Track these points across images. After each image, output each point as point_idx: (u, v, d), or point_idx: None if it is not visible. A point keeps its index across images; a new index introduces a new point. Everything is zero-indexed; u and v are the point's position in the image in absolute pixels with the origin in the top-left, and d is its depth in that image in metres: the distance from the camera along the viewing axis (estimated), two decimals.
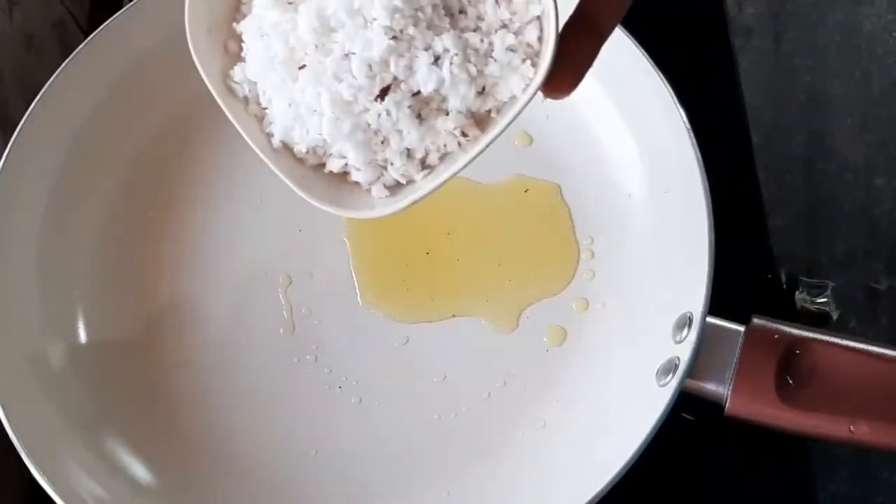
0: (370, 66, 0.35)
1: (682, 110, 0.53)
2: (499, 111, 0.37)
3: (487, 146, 0.37)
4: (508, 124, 0.36)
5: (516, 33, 0.36)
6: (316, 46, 0.36)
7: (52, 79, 0.56)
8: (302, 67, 0.37)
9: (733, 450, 0.54)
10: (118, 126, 0.59)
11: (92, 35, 0.58)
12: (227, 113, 0.39)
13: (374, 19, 0.35)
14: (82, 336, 0.56)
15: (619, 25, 0.54)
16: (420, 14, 0.35)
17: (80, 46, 0.57)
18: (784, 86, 0.65)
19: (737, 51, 0.64)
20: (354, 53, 0.35)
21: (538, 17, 0.36)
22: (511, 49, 0.36)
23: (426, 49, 0.35)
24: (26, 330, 0.54)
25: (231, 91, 0.39)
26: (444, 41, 0.35)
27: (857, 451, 0.55)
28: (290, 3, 0.37)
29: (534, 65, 0.36)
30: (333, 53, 0.36)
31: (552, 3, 0.35)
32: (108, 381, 0.55)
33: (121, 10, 0.59)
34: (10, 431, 0.49)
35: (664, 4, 0.65)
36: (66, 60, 0.57)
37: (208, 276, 0.58)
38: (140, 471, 0.52)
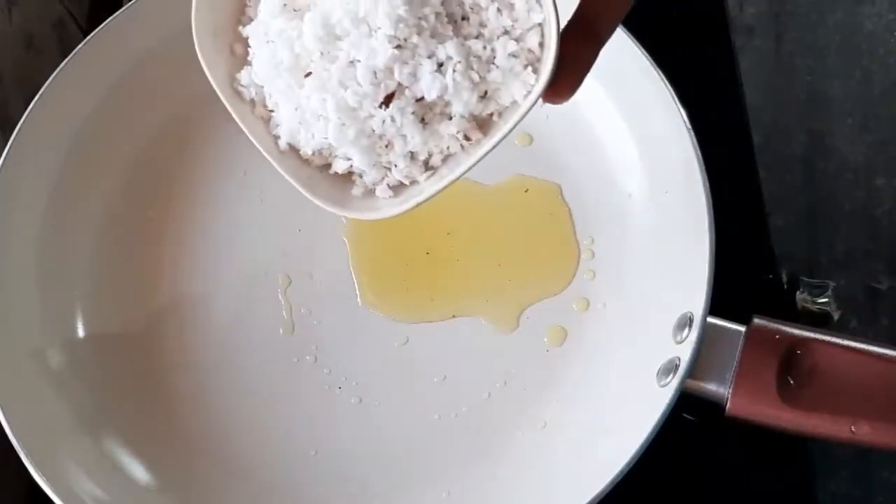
0: (375, 74, 0.36)
1: (682, 110, 0.53)
2: (500, 115, 0.38)
3: (490, 150, 0.37)
4: (511, 130, 0.37)
5: (518, 39, 0.36)
6: (321, 54, 0.36)
7: (51, 78, 0.56)
8: (308, 75, 0.37)
9: (733, 450, 0.53)
10: (118, 126, 0.59)
11: (91, 35, 0.58)
12: (235, 116, 0.39)
13: (379, 28, 0.35)
14: (82, 336, 0.56)
15: (619, 25, 0.54)
16: (424, 23, 0.35)
17: (80, 46, 0.57)
18: (784, 86, 0.65)
19: (737, 50, 0.64)
20: (359, 61, 0.36)
21: (539, 24, 0.36)
22: (513, 55, 0.36)
23: (429, 57, 0.36)
24: (26, 330, 0.54)
25: (238, 94, 0.40)
26: (448, 49, 0.35)
27: (857, 451, 0.55)
28: (295, 11, 0.37)
29: (535, 70, 0.36)
30: (339, 61, 0.36)
31: (553, 11, 0.35)
32: (107, 382, 0.54)
33: (120, 10, 0.58)
34: (9, 432, 0.49)
35: (664, 4, 0.65)
36: (66, 60, 0.57)
37: (208, 276, 0.57)
38: (140, 471, 0.52)
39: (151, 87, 0.60)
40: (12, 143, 0.55)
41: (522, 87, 0.36)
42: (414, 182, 0.39)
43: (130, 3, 0.58)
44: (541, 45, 0.36)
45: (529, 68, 0.36)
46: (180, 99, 0.59)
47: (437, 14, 0.36)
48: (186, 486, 0.52)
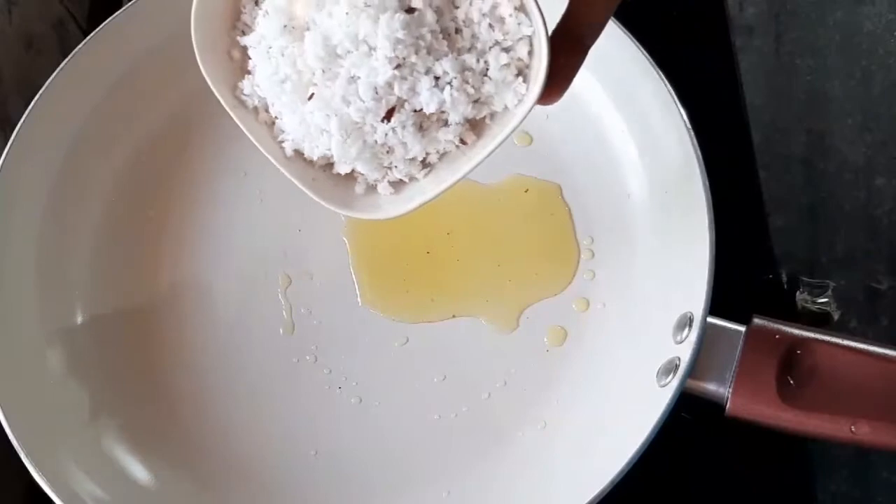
0: (376, 90, 0.37)
1: (682, 110, 0.53)
2: (492, 117, 0.39)
3: (489, 155, 0.39)
4: (508, 135, 0.38)
5: (508, 50, 0.38)
6: (323, 71, 0.37)
7: (51, 78, 0.56)
8: (311, 97, 0.38)
9: (733, 450, 0.53)
10: (118, 126, 0.59)
11: (91, 35, 0.58)
12: (240, 124, 0.40)
13: (378, 48, 0.36)
14: (81, 336, 0.56)
15: (619, 25, 0.55)
16: (421, 41, 0.36)
17: (80, 46, 0.57)
18: (784, 86, 0.65)
19: (737, 50, 0.64)
20: (360, 77, 0.37)
21: (528, 36, 0.38)
22: (505, 66, 0.38)
23: (427, 73, 0.37)
24: (26, 330, 0.54)
25: (241, 102, 0.41)
26: (444, 65, 0.37)
27: (857, 451, 0.55)
28: (294, 28, 0.38)
29: (525, 78, 0.38)
30: (340, 77, 0.37)
31: (542, 26, 0.36)
32: (107, 381, 0.54)
33: (120, 10, 0.59)
34: (9, 432, 0.49)
35: (664, 4, 0.65)
36: (66, 60, 0.57)
37: (208, 276, 0.57)
38: (140, 471, 0.52)
39: (151, 87, 0.60)
40: (12, 143, 0.55)
41: (514, 96, 0.38)
42: (413, 179, 0.40)
43: (130, 3, 0.58)
44: (530, 53, 0.38)
45: (520, 78, 0.38)
46: (180, 99, 0.59)
47: (433, 32, 0.37)
48: (186, 486, 0.52)
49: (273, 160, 0.40)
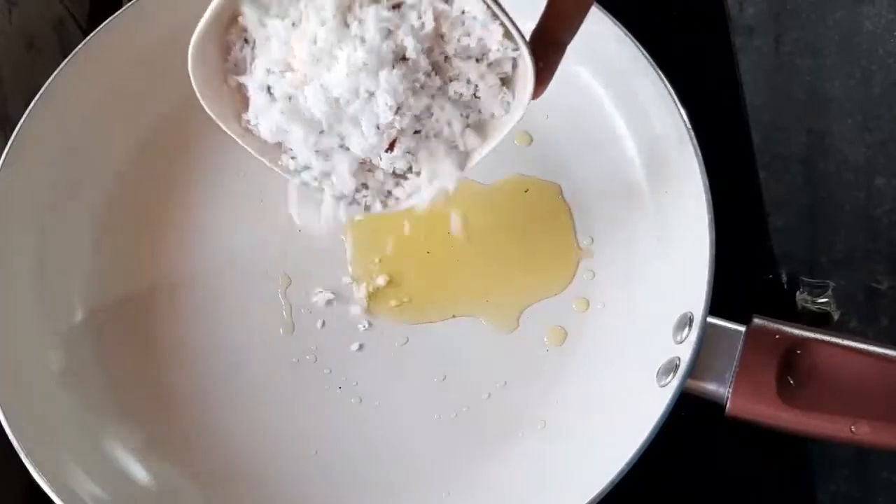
0: (378, 127, 0.39)
1: (682, 110, 0.53)
2: (482, 122, 0.42)
3: (483, 157, 0.42)
4: (501, 140, 0.41)
5: (493, 69, 0.40)
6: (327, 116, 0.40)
7: (51, 78, 0.56)
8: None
9: (733, 450, 0.53)
10: (117, 126, 0.59)
11: (91, 35, 0.58)
12: (250, 150, 0.43)
13: (377, 96, 0.38)
14: (81, 336, 0.56)
15: (619, 25, 0.55)
16: (416, 83, 0.38)
17: (80, 46, 0.57)
18: (784, 86, 0.65)
19: (737, 50, 0.64)
20: (362, 118, 0.39)
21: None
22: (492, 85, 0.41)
23: (423, 111, 0.39)
24: (26, 330, 0.54)
25: (248, 131, 0.43)
26: (438, 101, 0.39)
27: (857, 451, 0.55)
28: (295, 87, 0.40)
29: (510, 87, 0.40)
30: (343, 121, 0.39)
31: (526, 49, 0.38)
32: (107, 382, 0.54)
33: (120, 10, 0.59)
34: (9, 432, 0.49)
35: (664, 4, 0.65)
36: (66, 60, 0.57)
37: (208, 276, 0.57)
38: (139, 471, 0.52)
39: (151, 88, 0.60)
40: (12, 143, 0.55)
41: (502, 106, 0.41)
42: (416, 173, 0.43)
43: (130, 3, 0.58)
44: (513, 67, 0.40)
45: (505, 87, 0.40)
46: (179, 98, 0.59)
47: (426, 72, 0.39)
48: (186, 486, 0.52)
49: (284, 174, 0.43)
